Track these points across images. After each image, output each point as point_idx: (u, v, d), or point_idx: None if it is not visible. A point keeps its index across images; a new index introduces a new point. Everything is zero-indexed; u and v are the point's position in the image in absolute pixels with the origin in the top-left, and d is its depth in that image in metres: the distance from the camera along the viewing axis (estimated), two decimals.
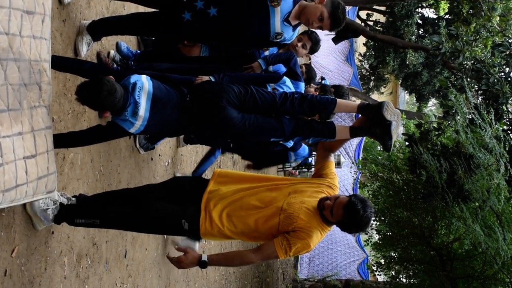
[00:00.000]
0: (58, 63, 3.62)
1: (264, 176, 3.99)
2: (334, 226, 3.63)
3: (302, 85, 5.01)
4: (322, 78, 6.92)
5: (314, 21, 3.95)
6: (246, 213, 3.54)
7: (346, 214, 3.45)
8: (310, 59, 14.26)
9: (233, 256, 3.43)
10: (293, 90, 4.70)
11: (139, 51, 4.98)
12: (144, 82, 3.42)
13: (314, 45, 5.16)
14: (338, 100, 3.88)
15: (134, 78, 3.40)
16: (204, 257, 3.48)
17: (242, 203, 3.59)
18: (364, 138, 18.98)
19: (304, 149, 6.41)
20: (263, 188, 3.73)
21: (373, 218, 3.67)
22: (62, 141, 3.39)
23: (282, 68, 4.91)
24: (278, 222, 3.50)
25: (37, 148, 2.92)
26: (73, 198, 3.71)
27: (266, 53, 4.79)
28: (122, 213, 3.62)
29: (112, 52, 4.65)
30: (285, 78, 4.76)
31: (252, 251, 3.56)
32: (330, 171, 3.91)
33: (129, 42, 5.00)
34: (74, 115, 3.99)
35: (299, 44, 5.08)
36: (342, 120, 16.21)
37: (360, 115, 3.92)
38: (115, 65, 4.60)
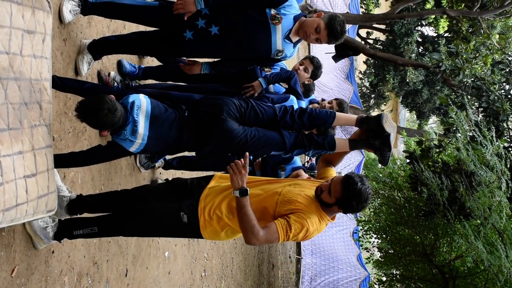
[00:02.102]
0: (60, 83, 3.64)
1: (264, 178, 4.00)
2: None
3: (302, 103, 5.01)
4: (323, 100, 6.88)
5: (312, 33, 3.98)
6: None
7: (345, 188, 3.41)
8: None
9: (252, 218, 3.30)
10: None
11: (143, 66, 4.98)
12: (142, 101, 3.43)
13: (316, 69, 5.13)
14: (337, 113, 3.90)
15: (132, 97, 3.41)
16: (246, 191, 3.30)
17: None
18: (364, 159, 19.01)
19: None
20: (265, 182, 3.77)
21: (371, 195, 3.61)
22: (62, 161, 3.40)
23: (282, 87, 4.91)
24: (275, 203, 3.49)
25: (38, 167, 2.92)
26: (73, 193, 3.72)
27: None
28: (119, 215, 3.62)
29: (113, 74, 4.66)
30: (292, 97, 4.75)
31: (261, 229, 3.32)
32: (330, 174, 3.95)
33: (130, 61, 5.01)
34: (75, 133, 3.99)
35: (301, 68, 5.06)
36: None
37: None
38: (115, 84, 4.61)
